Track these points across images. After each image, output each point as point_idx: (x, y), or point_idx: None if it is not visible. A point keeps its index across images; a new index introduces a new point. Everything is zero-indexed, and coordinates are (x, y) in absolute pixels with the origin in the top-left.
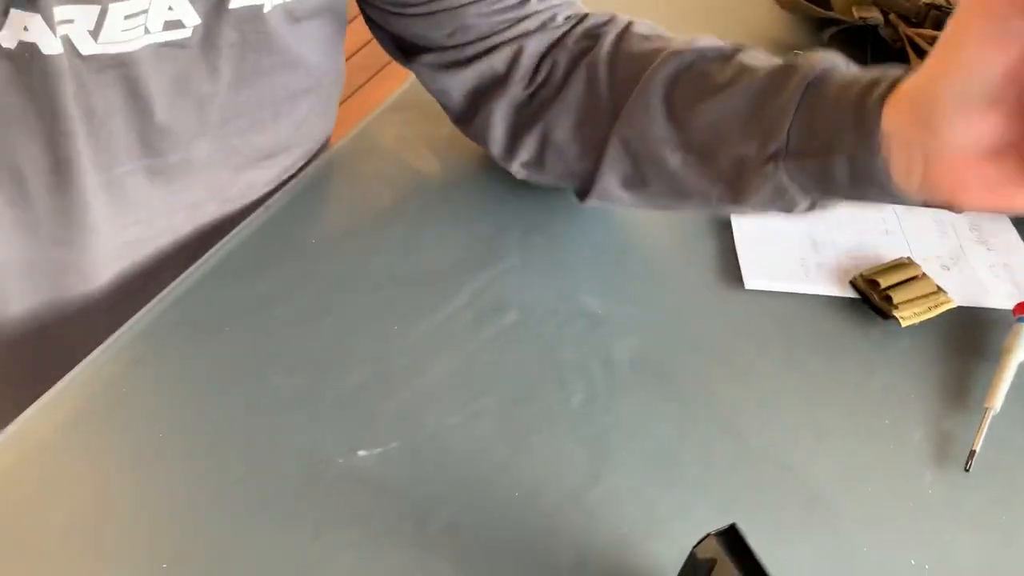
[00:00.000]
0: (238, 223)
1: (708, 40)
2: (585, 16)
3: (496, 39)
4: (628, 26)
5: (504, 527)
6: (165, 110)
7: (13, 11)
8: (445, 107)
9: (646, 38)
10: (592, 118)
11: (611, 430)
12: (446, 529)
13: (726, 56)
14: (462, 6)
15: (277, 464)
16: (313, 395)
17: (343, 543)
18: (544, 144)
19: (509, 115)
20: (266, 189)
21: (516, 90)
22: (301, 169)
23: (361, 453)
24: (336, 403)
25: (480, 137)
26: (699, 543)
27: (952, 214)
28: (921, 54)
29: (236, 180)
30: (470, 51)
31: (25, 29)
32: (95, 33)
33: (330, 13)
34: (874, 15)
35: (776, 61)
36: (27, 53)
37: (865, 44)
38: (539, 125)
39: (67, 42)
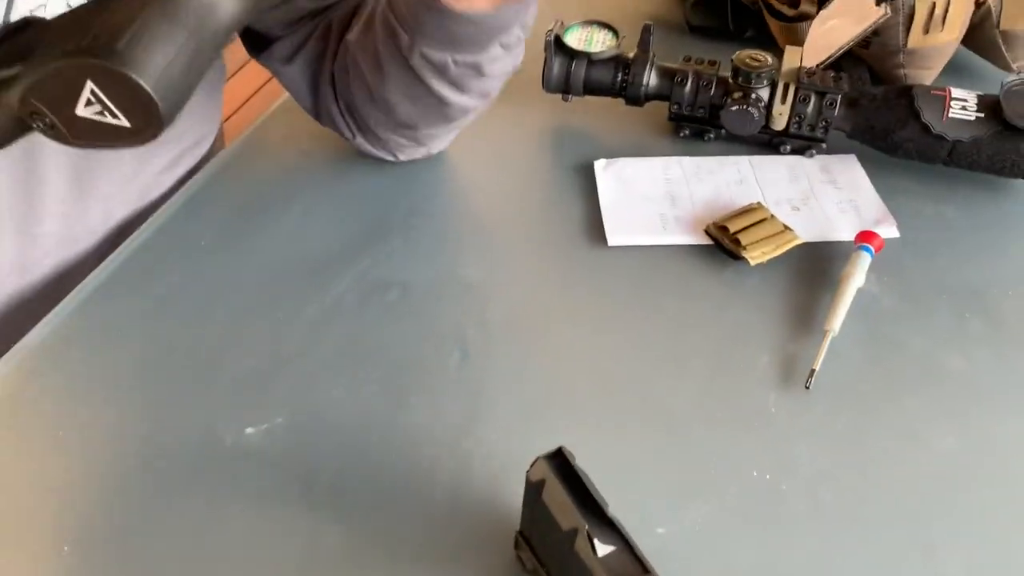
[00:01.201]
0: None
1: None
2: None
3: (318, 20)
4: None
5: (384, 481)
6: None
7: None
8: (303, 106)
9: None
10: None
11: (484, 386)
12: (330, 488)
13: None
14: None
15: (171, 449)
16: (205, 383)
17: (235, 512)
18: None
19: (335, 94)
20: (168, 184)
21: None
22: (197, 168)
23: (248, 431)
24: (227, 388)
25: (332, 125)
26: (531, 466)
27: (804, 160)
28: (777, 15)
29: (139, 172)
30: (298, 37)
31: None
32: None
33: None
34: None
35: None
36: None
37: (726, 10)
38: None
39: None
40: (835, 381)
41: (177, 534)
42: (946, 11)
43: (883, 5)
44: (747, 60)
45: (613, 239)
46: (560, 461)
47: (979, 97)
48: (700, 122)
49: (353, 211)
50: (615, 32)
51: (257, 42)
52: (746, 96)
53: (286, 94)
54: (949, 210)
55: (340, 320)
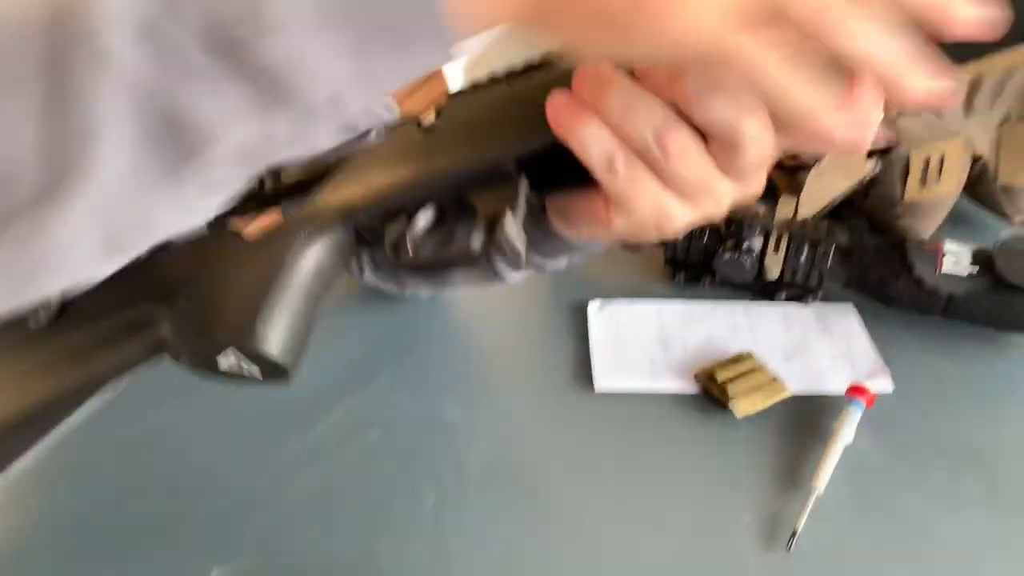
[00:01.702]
0: None
1: None
2: None
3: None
4: None
5: None
6: None
7: None
8: None
9: None
10: None
11: (459, 531)
12: None
13: None
14: None
15: None
16: (175, 522)
17: None
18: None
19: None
20: None
21: None
22: None
23: (213, 573)
24: (197, 528)
25: None
26: None
27: (799, 308)
28: (777, 164)
29: None
30: None
31: None
32: None
33: None
34: None
35: None
36: None
37: None
38: None
39: None
40: (818, 544)
41: None
42: (941, 165)
43: (874, 159)
44: (740, 210)
45: (601, 384)
46: None
47: (973, 252)
48: (695, 268)
49: (342, 347)
50: None
51: None
52: (739, 245)
53: None
54: (946, 364)
55: (317, 460)
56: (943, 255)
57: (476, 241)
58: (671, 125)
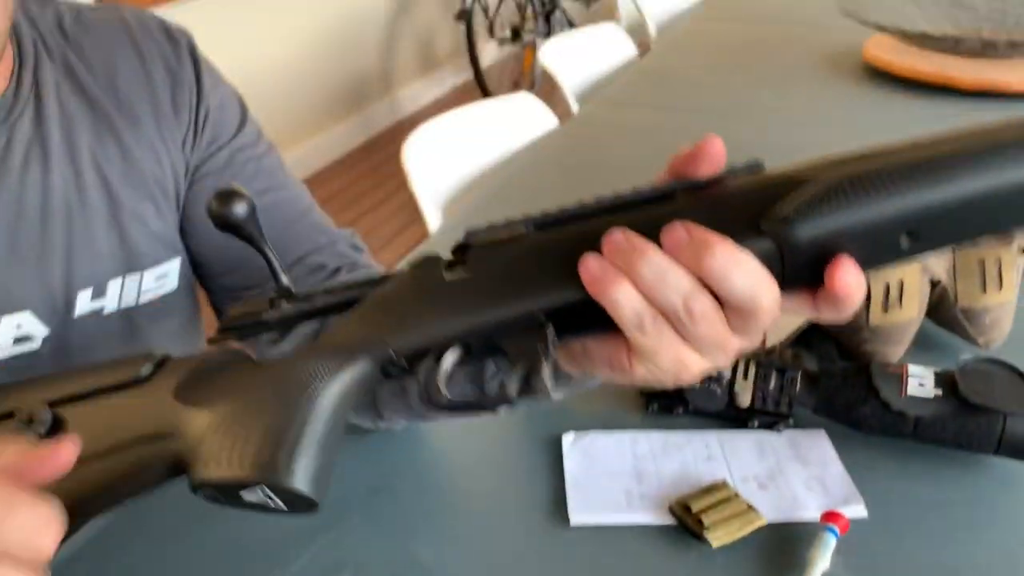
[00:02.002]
0: None
1: None
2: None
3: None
4: None
5: None
6: None
7: None
8: None
9: None
10: None
11: None
12: None
13: None
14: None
15: None
16: None
17: None
18: None
19: None
20: None
21: None
22: None
23: None
24: None
25: None
26: None
27: (772, 436)
28: None
29: None
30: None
31: None
32: None
33: (179, 304)
34: None
35: None
36: None
37: None
38: None
39: None
40: None
41: None
42: (901, 291)
43: None
44: None
45: (576, 518)
46: None
47: (936, 374)
48: (668, 397)
49: None
50: None
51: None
52: (708, 374)
53: None
54: (920, 488)
55: None
56: (908, 378)
57: (513, 389)
58: (697, 294)
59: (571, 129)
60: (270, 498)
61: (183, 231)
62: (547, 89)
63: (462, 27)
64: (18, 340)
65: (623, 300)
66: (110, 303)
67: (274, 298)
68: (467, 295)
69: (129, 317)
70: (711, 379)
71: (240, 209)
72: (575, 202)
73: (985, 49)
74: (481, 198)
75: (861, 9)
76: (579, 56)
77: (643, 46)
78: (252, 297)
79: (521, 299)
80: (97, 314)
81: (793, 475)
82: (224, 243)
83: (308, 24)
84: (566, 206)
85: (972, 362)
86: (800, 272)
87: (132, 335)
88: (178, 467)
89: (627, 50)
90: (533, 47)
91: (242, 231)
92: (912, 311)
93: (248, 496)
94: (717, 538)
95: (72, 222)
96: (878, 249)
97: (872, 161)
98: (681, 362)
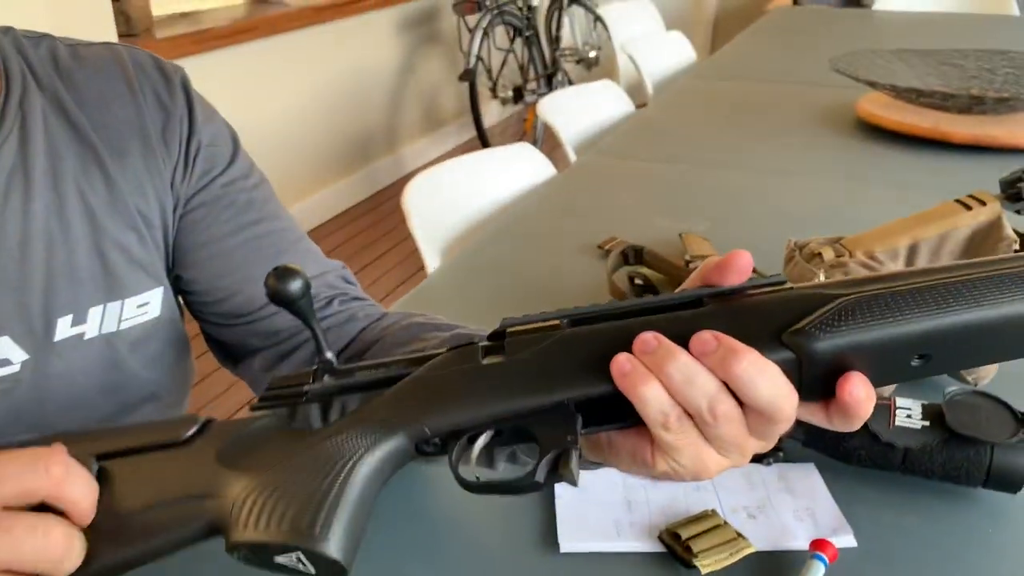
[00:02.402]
0: None
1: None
2: (384, 315)
3: (304, 335)
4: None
5: None
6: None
7: None
8: None
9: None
10: None
11: None
12: None
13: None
14: (275, 314)
15: None
16: None
17: None
18: None
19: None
20: None
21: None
22: None
23: None
24: None
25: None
26: None
27: (762, 468)
28: None
29: None
30: (284, 348)
31: None
32: None
33: (161, 332)
34: None
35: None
36: None
37: None
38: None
39: None
40: None
41: None
42: None
43: None
44: None
45: (566, 546)
46: None
47: (923, 406)
48: None
49: None
50: None
51: (232, 355)
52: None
53: None
54: (908, 519)
55: None
56: (895, 409)
57: (542, 475)
58: (722, 397)
59: (568, 177)
60: (302, 562)
61: (175, 261)
62: (548, 148)
63: (466, 88)
64: None
65: (651, 397)
66: (91, 329)
67: (316, 371)
68: (502, 381)
69: (110, 343)
70: None
71: (295, 286)
72: (608, 303)
73: (974, 105)
74: (479, 240)
75: (852, 68)
76: (577, 110)
77: (640, 104)
78: (294, 372)
79: (554, 389)
80: (78, 339)
81: (782, 506)
82: (217, 273)
83: (317, 80)
84: (599, 305)
85: (959, 394)
86: (816, 383)
87: (114, 360)
88: (215, 528)
89: (625, 106)
90: (534, 107)
91: (295, 307)
92: None
93: (280, 559)
94: (706, 565)
95: (53, 249)
96: (890, 367)
97: (891, 284)
98: (701, 460)
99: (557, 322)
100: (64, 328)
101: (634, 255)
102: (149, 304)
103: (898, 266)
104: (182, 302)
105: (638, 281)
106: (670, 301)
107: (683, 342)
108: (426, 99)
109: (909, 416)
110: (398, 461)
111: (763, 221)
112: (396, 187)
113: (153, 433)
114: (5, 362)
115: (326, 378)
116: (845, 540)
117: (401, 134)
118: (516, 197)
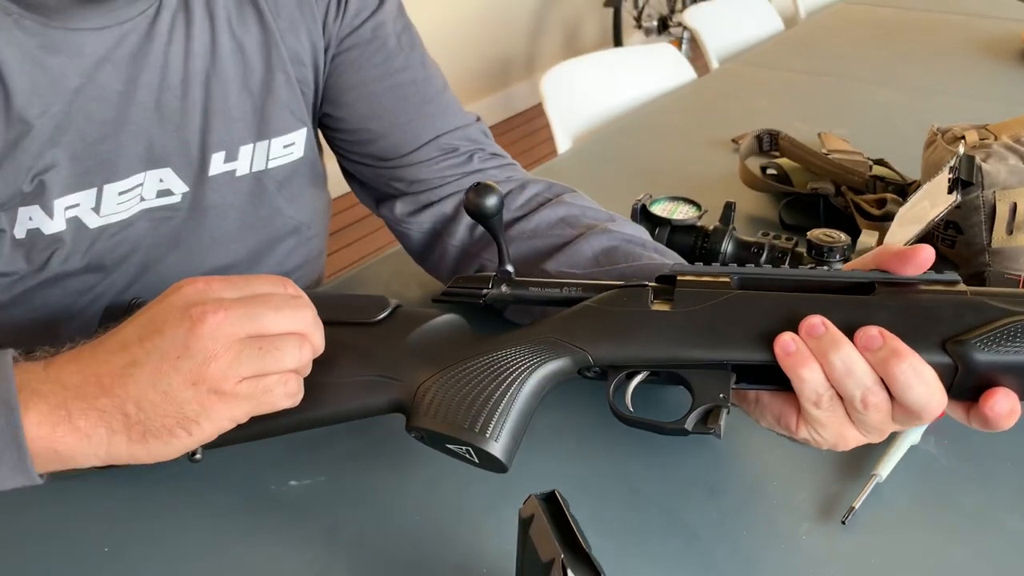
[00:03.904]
0: None
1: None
2: (527, 184)
3: (447, 189)
4: (554, 206)
5: None
6: (160, 262)
7: (20, 208)
8: (407, 247)
9: (564, 223)
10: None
11: None
12: None
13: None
14: (419, 163)
15: None
16: None
17: None
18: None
19: (458, 251)
20: None
21: (462, 230)
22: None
23: None
24: None
25: (435, 270)
26: (524, 503)
27: None
28: (866, 215)
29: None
30: (425, 198)
31: (30, 219)
32: (97, 209)
33: (304, 170)
34: (826, 186)
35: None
36: (34, 237)
37: (818, 210)
38: (478, 259)
39: (74, 221)
40: (875, 521)
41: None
42: None
43: (954, 194)
44: (821, 236)
45: None
46: (552, 503)
47: None
48: None
49: (281, 541)
50: (698, 206)
51: (373, 194)
52: (818, 268)
53: None
54: None
55: None
56: None
57: (691, 424)
58: (876, 390)
59: (709, 80)
60: (469, 454)
61: (324, 99)
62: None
63: (610, 15)
64: (161, 193)
65: (808, 378)
66: (242, 167)
67: (495, 277)
68: (668, 330)
69: (259, 180)
70: None
71: (491, 203)
72: (780, 269)
73: None
74: (610, 131)
75: None
76: (724, 21)
77: (790, 26)
78: (477, 275)
79: (716, 348)
80: (230, 176)
81: None
82: (365, 115)
83: (461, 3)
84: (770, 269)
85: None
86: (965, 390)
87: (261, 196)
88: (399, 406)
89: (774, 24)
90: (680, 41)
91: (489, 222)
92: None
93: (452, 447)
94: None
95: (210, 88)
96: None
97: None
98: (843, 436)
99: (727, 279)
100: (218, 164)
101: (769, 140)
102: (295, 144)
103: None
104: (324, 140)
105: (771, 171)
106: (842, 278)
107: (849, 329)
108: (569, 25)
109: None
110: (561, 378)
111: (909, 134)
112: (532, 112)
113: (349, 309)
114: (167, 192)
115: (503, 287)
116: None
117: (541, 60)
118: (653, 97)
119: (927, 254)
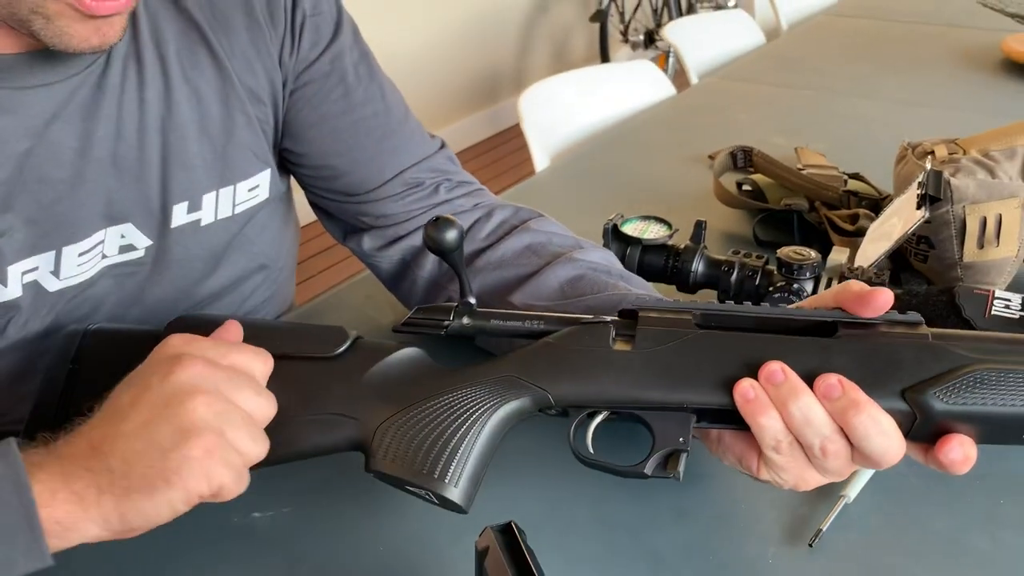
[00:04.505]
0: None
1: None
2: (493, 211)
3: (415, 223)
4: (520, 233)
5: None
6: (123, 319)
7: None
8: (378, 275)
9: (531, 252)
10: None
11: None
12: None
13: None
14: (385, 198)
15: None
16: None
17: None
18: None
19: (427, 282)
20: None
21: (431, 262)
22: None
23: None
24: None
25: (405, 299)
26: (479, 535)
27: None
28: (839, 231)
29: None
30: (392, 232)
31: None
32: (56, 272)
33: (269, 208)
34: (799, 202)
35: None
36: None
37: (792, 226)
38: (447, 291)
39: (32, 286)
40: (843, 544)
41: None
42: (999, 227)
43: (922, 209)
44: (791, 254)
45: None
46: (507, 535)
47: (1023, 299)
48: None
49: (245, 572)
50: (668, 225)
51: (340, 227)
52: (789, 286)
53: None
54: None
55: None
56: (993, 299)
57: (651, 468)
58: (834, 438)
59: (687, 98)
60: (428, 496)
61: (285, 135)
62: (677, 86)
63: (596, 31)
64: (123, 248)
65: (767, 425)
66: (206, 216)
67: (457, 308)
68: (629, 372)
69: (225, 227)
70: (791, 291)
71: (451, 237)
72: (742, 306)
73: None
74: (589, 147)
75: (1001, 2)
76: (705, 35)
77: (772, 38)
78: (438, 304)
79: (676, 391)
80: (194, 226)
81: None
82: (328, 152)
83: (448, 15)
84: (732, 306)
85: None
86: (923, 436)
87: (229, 243)
88: (356, 445)
89: (755, 38)
90: (666, 55)
91: (450, 256)
92: (1009, 249)
93: (411, 489)
94: None
95: (167, 136)
96: (1001, 436)
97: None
98: (803, 479)
99: (689, 316)
100: (180, 215)
101: (743, 156)
102: (259, 187)
103: (1015, 166)
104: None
105: (746, 187)
106: (804, 317)
107: (810, 374)
108: (556, 40)
109: (1008, 306)
110: (522, 417)
111: (887, 147)
112: (520, 129)
113: (309, 340)
114: (130, 247)
115: (464, 319)
116: None
117: (528, 75)
118: (632, 113)
119: (886, 298)
